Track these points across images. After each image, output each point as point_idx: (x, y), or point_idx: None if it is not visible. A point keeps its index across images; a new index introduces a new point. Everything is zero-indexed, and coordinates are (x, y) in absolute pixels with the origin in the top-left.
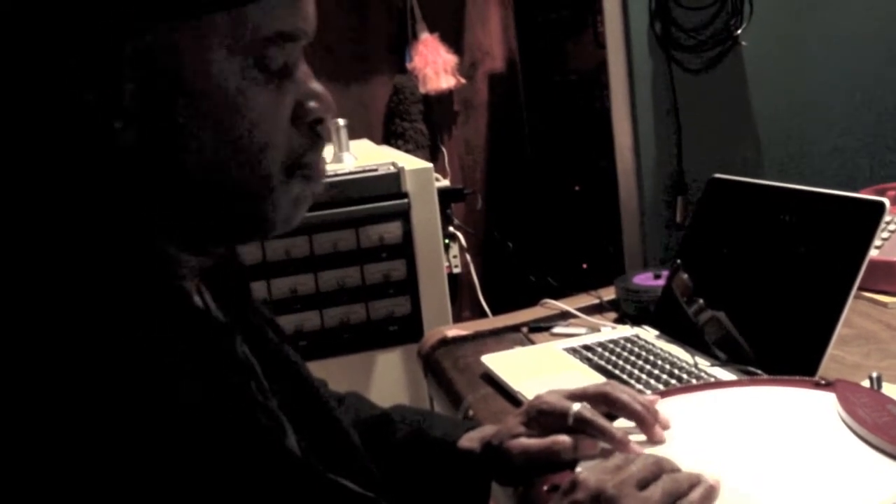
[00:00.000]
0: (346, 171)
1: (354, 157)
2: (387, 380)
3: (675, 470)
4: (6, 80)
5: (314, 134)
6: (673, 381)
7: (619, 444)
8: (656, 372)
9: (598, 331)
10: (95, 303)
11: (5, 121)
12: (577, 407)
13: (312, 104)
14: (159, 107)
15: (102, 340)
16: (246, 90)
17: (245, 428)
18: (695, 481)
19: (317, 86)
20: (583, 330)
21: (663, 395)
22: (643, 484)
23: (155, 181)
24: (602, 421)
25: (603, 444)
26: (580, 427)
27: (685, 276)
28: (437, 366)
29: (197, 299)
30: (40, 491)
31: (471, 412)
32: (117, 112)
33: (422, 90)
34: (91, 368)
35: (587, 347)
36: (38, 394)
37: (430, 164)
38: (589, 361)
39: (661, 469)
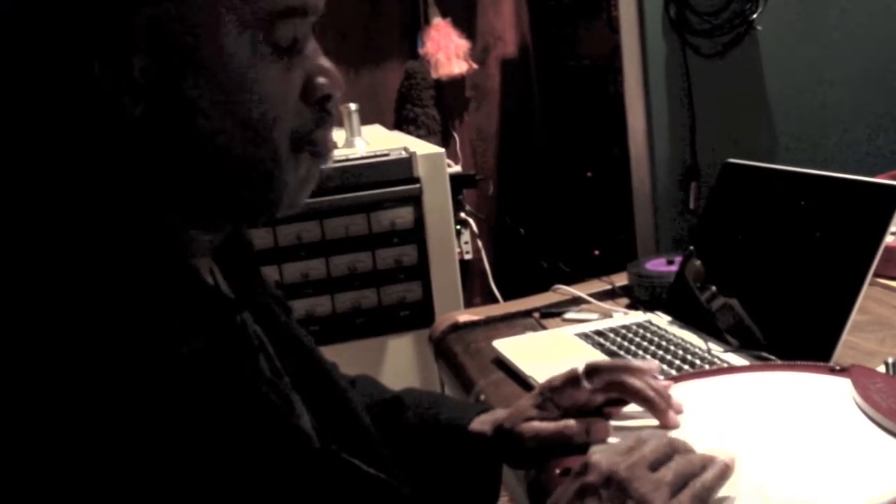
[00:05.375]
0: (358, 155)
1: (366, 142)
2: (398, 365)
3: (689, 451)
4: (15, 54)
5: (323, 110)
6: (686, 367)
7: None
8: (669, 357)
9: (611, 316)
10: (105, 279)
11: (14, 95)
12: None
13: (321, 80)
14: (169, 81)
15: (112, 316)
16: (256, 65)
17: (256, 405)
18: (708, 462)
19: (325, 62)
20: (595, 315)
21: (676, 380)
22: (656, 465)
23: (164, 156)
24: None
25: (615, 423)
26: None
27: (698, 262)
28: (448, 351)
29: (207, 277)
30: (46, 460)
31: (482, 397)
32: (127, 86)
33: (434, 75)
34: (100, 343)
35: (599, 333)
36: (46, 364)
37: (442, 150)
38: (601, 347)
39: (673, 450)
